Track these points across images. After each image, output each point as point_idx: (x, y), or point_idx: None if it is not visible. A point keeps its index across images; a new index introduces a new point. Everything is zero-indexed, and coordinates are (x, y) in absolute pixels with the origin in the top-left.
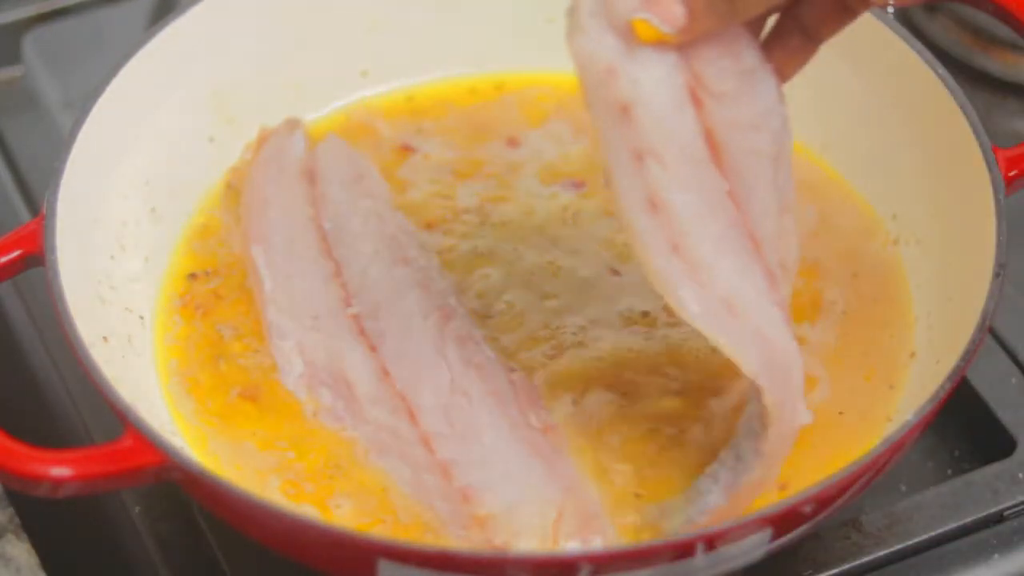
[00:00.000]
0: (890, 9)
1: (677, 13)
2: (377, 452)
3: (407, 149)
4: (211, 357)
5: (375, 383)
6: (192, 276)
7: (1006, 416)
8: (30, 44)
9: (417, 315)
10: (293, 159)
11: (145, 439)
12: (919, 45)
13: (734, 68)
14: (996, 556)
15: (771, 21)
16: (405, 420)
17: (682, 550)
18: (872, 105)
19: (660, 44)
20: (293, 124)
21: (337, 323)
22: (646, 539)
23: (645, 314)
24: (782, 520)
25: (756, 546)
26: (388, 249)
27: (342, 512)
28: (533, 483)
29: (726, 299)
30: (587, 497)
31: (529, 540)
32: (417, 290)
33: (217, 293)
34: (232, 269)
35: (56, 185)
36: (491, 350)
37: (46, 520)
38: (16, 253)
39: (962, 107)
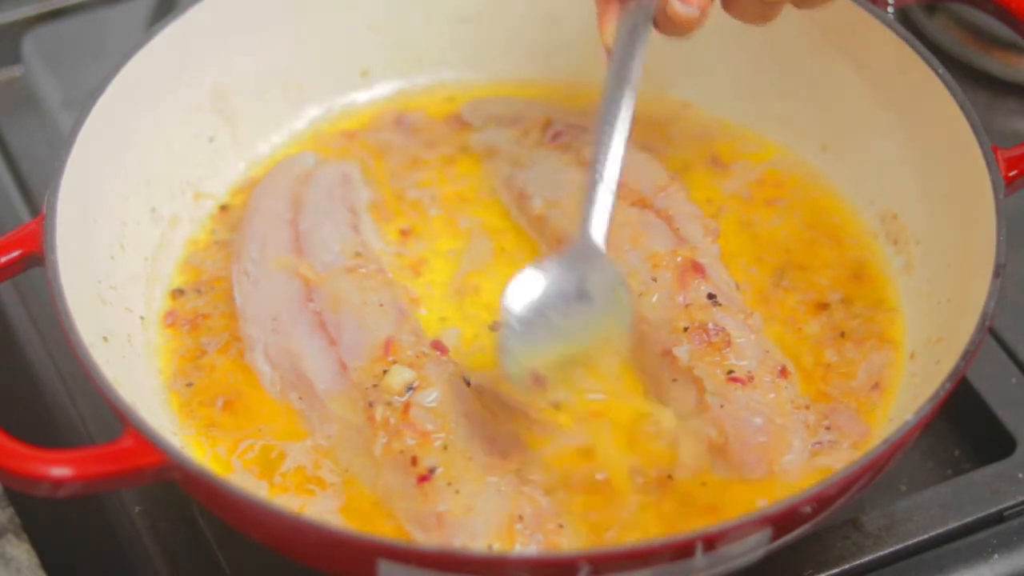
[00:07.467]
0: (890, 9)
1: None
2: (342, 452)
3: (404, 149)
4: (194, 367)
5: (334, 377)
6: (179, 292)
7: (1006, 416)
8: (30, 44)
9: (375, 309)
10: (296, 173)
11: (145, 439)
12: (919, 45)
13: None
14: (996, 556)
15: None
16: (364, 415)
17: (682, 550)
18: (872, 105)
19: None
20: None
21: (296, 318)
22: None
23: None
24: (782, 520)
25: (756, 546)
26: (355, 249)
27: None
28: (491, 480)
29: None
30: (541, 497)
31: (487, 540)
32: (379, 286)
33: (199, 310)
34: (217, 286)
35: (56, 185)
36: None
37: (46, 520)
38: (16, 253)
39: (962, 107)
